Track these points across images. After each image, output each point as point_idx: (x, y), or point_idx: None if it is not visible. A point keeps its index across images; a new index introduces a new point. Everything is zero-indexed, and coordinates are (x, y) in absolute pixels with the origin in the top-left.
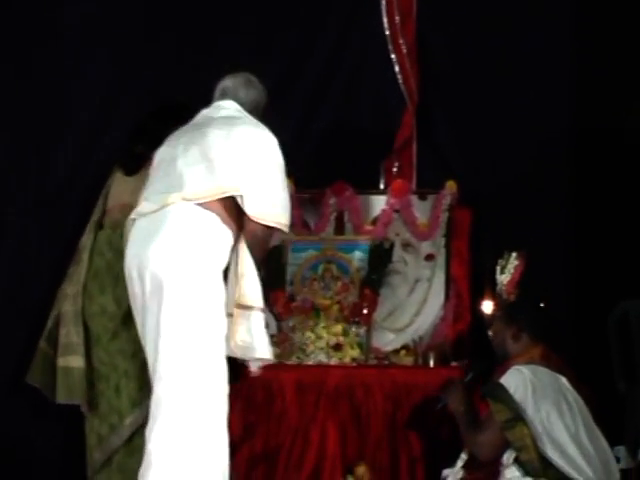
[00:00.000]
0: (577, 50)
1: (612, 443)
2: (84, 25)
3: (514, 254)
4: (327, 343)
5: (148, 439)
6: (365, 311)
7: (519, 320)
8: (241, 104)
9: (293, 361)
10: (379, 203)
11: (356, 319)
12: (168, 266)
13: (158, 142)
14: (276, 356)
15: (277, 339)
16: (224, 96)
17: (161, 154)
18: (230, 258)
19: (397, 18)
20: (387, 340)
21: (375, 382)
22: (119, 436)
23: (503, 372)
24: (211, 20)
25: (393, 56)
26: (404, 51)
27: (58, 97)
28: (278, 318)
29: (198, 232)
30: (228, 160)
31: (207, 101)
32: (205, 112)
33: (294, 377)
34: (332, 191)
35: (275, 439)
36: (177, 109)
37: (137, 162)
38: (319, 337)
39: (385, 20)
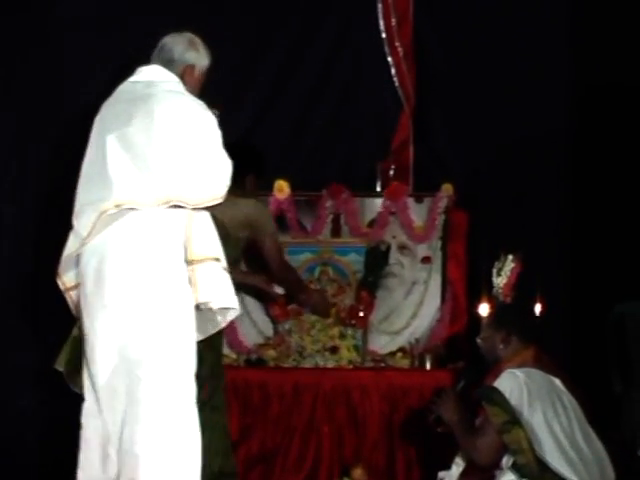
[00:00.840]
0: (576, 57)
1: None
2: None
3: (510, 257)
4: (324, 346)
5: (133, 441)
6: (361, 314)
7: (508, 324)
8: (172, 62)
9: (290, 364)
10: (376, 206)
11: (352, 322)
12: (129, 272)
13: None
14: (273, 359)
15: (274, 342)
16: (159, 52)
17: (91, 151)
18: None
19: (394, 20)
20: (383, 342)
21: (371, 384)
22: None
23: (496, 376)
24: (208, 19)
25: (390, 58)
26: (401, 53)
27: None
28: (275, 321)
29: (151, 235)
30: (159, 160)
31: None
32: (126, 88)
33: (291, 379)
34: (328, 193)
35: (272, 441)
36: (252, 156)
37: None
38: (316, 340)
39: (382, 22)
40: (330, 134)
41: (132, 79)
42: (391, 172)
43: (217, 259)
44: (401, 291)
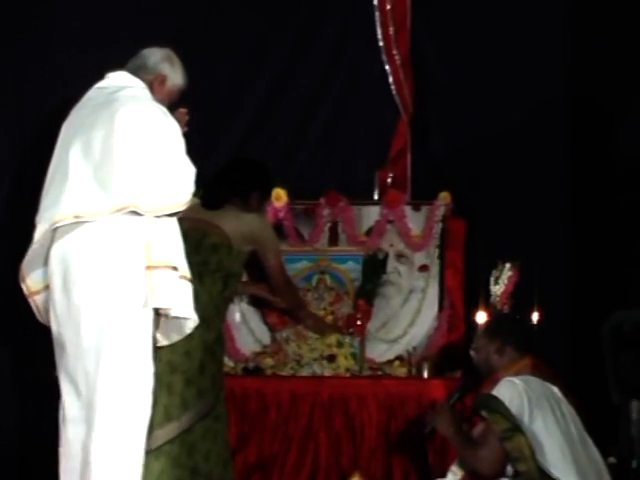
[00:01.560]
0: (573, 64)
1: (606, 453)
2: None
3: (508, 265)
4: (321, 354)
5: (87, 451)
6: (359, 322)
7: (502, 334)
8: (144, 68)
9: (287, 372)
10: (373, 214)
11: (350, 330)
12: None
13: (239, 190)
14: (270, 367)
15: (271, 350)
16: (134, 59)
17: (56, 158)
18: None
19: (391, 29)
20: (381, 351)
21: (369, 393)
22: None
23: (492, 385)
24: (207, 29)
25: (387, 67)
26: (398, 62)
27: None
28: (272, 329)
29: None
30: (117, 168)
31: (197, 102)
32: (93, 94)
33: (288, 388)
34: (326, 202)
35: (269, 449)
36: (259, 174)
37: (220, 202)
38: (313, 348)
39: (379, 31)
40: (328, 142)
41: (99, 85)
42: (389, 180)
43: (174, 267)
44: (399, 299)
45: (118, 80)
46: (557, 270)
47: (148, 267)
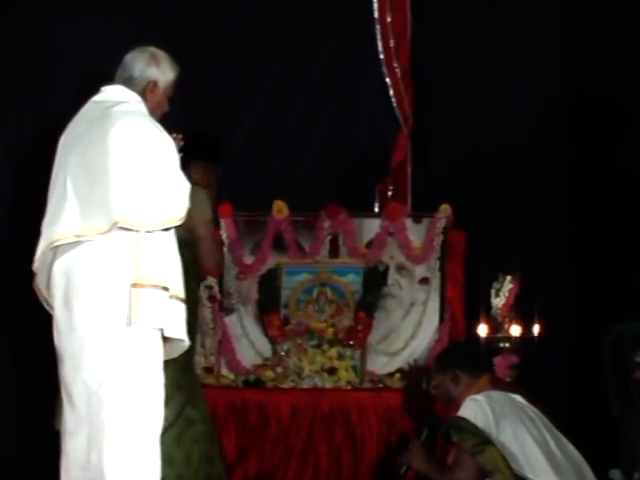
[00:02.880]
0: (573, 78)
1: (607, 466)
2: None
3: (509, 277)
4: (322, 366)
5: (100, 463)
6: (360, 334)
7: (452, 364)
8: (132, 80)
9: (288, 384)
10: (374, 226)
11: (351, 342)
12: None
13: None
14: (271, 379)
15: (272, 363)
16: (120, 71)
17: (54, 175)
18: None
19: (392, 42)
20: (382, 363)
21: (370, 405)
22: None
23: (456, 408)
24: (207, 39)
25: (388, 79)
26: (399, 74)
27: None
28: (273, 342)
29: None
30: (112, 185)
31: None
32: (89, 108)
33: (289, 400)
34: (326, 214)
35: (270, 462)
36: (197, 139)
37: None
38: (314, 361)
39: (380, 44)
40: (328, 155)
41: (95, 99)
42: (389, 193)
43: (165, 288)
44: (399, 312)
45: (114, 94)
46: (557, 282)
47: (134, 285)
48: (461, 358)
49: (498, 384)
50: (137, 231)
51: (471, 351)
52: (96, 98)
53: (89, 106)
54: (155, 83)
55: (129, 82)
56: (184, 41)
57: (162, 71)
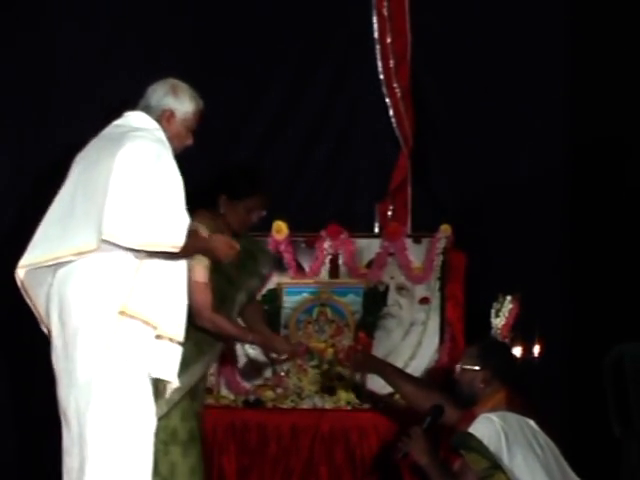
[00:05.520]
0: (576, 101)
1: None
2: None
3: (509, 298)
4: (322, 387)
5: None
6: None
7: (494, 365)
8: (149, 108)
9: (288, 405)
10: (374, 246)
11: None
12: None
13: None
14: (271, 400)
15: (272, 383)
16: (142, 98)
17: (64, 189)
18: None
19: (391, 62)
20: (382, 384)
21: (370, 426)
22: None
23: (469, 421)
24: (209, 61)
25: (387, 100)
26: (398, 95)
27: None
28: (273, 362)
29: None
30: (108, 204)
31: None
32: (108, 131)
33: (289, 421)
34: (327, 234)
35: None
36: (227, 174)
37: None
38: (314, 381)
39: (380, 64)
40: (328, 175)
41: (116, 122)
42: (389, 213)
43: (146, 322)
44: (399, 332)
45: (133, 120)
46: (558, 302)
47: (120, 312)
48: (504, 364)
49: (513, 404)
50: (138, 252)
51: (513, 360)
52: (117, 122)
53: (109, 129)
54: (172, 112)
55: (147, 110)
56: (183, 69)
57: (180, 102)
